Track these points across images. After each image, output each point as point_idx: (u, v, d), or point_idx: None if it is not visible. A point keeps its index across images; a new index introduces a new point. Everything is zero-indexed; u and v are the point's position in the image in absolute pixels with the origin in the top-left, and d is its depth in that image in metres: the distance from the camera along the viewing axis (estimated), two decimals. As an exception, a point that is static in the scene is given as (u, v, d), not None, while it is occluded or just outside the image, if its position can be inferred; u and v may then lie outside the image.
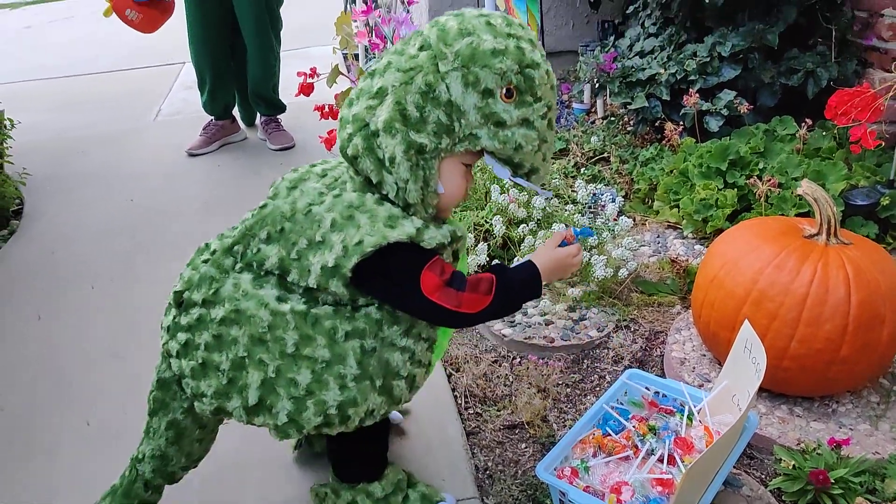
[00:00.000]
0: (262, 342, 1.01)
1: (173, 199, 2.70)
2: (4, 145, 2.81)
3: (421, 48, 0.99)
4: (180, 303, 1.08)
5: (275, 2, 3.02)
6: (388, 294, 1.02)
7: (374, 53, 3.56)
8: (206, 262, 1.10)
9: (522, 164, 1.02)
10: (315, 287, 1.00)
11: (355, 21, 3.56)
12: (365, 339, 1.02)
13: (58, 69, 4.82)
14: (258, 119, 3.31)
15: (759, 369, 1.08)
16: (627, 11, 2.58)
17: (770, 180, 1.91)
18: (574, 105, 3.22)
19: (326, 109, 2.50)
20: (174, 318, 1.08)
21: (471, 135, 0.98)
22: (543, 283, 1.10)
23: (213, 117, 3.19)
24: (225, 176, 2.91)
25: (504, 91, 0.97)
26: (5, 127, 2.85)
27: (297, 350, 1.01)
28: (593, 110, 3.24)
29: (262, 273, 1.05)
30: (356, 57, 4.35)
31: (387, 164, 0.97)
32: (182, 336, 1.06)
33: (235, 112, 3.30)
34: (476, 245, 1.90)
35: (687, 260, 1.99)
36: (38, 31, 5.93)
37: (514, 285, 1.06)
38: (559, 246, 1.15)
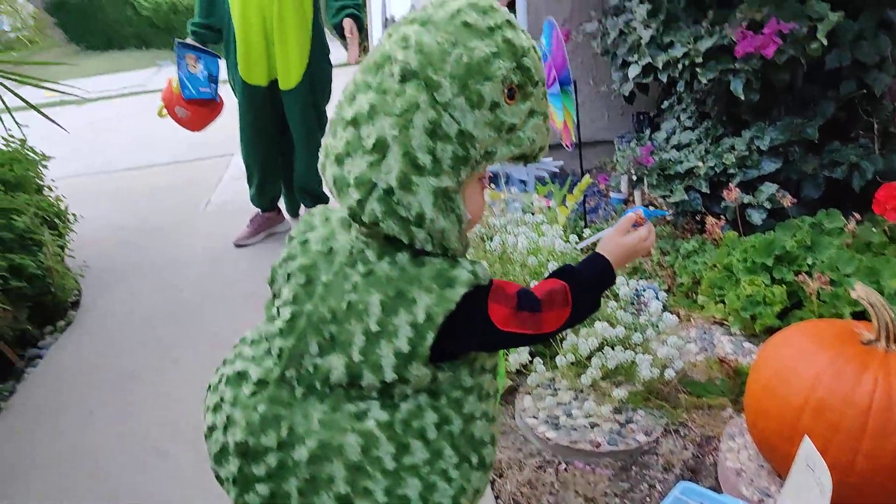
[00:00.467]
0: (361, 470, 0.92)
1: (219, 288, 2.77)
2: (67, 238, 2.94)
3: (404, 79, 0.86)
4: (244, 452, 0.97)
5: (322, 101, 3.17)
6: (469, 347, 0.95)
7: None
8: (253, 395, 0.99)
9: (535, 152, 0.96)
10: (392, 382, 0.90)
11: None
12: (452, 423, 0.95)
13: (116, 164, 5.08)
14: (302, 210, 3.42)
15: (825, 491, 1.04)
16: (663, 106, 2.64)
17: (820, 277, 1.88)
18: (612, 195, 3.25)
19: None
20: (241, 468, 0.97)
21: (487, 153, 0.90)
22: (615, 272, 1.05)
23: (259, 209, 3.30)
24: (268, 266, 2.98)
25: (507, 94, 0.88)
26: (69, 221, 2.99)
27: (398, 463, 0.92)
28: (631, 200, 3.26)
29: (328, 390, 0.95)
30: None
31: (414, 221, 0.87)
32: (264, 488, 0.95)
33: (281, 203, 3.41)
34: (518, 343, 1.89)
35: (736, 359, 1.95)
36: (100, 127, 6.29)
37: (589, 287, 1.00)
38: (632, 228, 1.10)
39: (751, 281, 2.06)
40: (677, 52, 2.23)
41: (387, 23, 5.26)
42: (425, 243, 0.89)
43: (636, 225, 1.10)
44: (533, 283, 1.97)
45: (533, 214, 2.56)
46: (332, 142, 0.92)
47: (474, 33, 0.87)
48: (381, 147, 0.86)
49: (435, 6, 0.90)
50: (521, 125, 0.91)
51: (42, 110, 2.38)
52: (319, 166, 0.96)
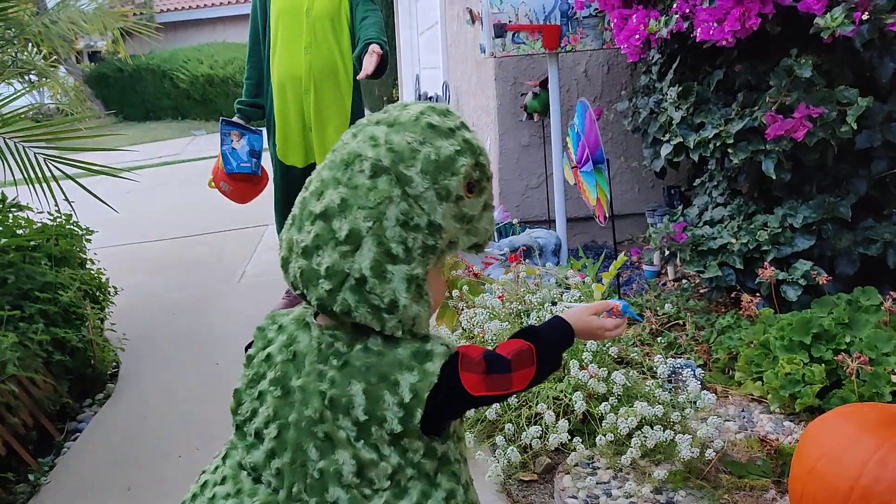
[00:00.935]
0: None
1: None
2: (107, 311, 3.02)
3: (375, 174, 0.91)
4: None
5: None
6: (451, 416, 0.98)
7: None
8: None
9: (487, 240, 1.02)
10: (396, 467, 0.93)
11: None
12: (457, 496, 0.97)
13: (151, 233, 5.22)
14: None
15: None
16: (694, 183, 2.68)
17: (860, 357, 1.86)
18: (644, 268, 3.27)
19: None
20: None
21: (451, 243, 0.95)
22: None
23: None
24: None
25: (467, 188, 0.95)
26: (109, 294, 3.07)
27: None
28: (664, 272, 3.28)
29: (343, 492, 0.92)
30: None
31: (386, 308, 0.90)
32: None
33: None
34: (556, 421, 1.89)
35: (777, 438, 1.92)
36: (137, 196, 6.48)
37: (552, 348, 1.05)
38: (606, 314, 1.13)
39: (789, 359, 2.05)
40: (708, 132, 2.28)
41: (420, 98, 5.43)
42: (396, 330, 0.92)
43: (610, 312, 1.15)
44: (573, 363, 1.99)
45: (568, 289, 2.58)
46: (297, 236, 0.94)
47: (439, 133, 0.94)
48: (354, 238, 0.89)
49: (398, 109, 0.97)
50: (478, 216, 0.98)
51: (81, 182, 2.49)
52: (281, 261, 0.97)
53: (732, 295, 2.44)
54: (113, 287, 3.12)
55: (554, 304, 2.38)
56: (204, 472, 1.07)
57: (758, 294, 2.32)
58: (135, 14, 4.03)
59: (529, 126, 3.63)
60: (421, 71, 7.67)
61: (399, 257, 0.90)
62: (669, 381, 2.15)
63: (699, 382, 1.98)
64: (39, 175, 2.37)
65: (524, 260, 2.88)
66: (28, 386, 2.26)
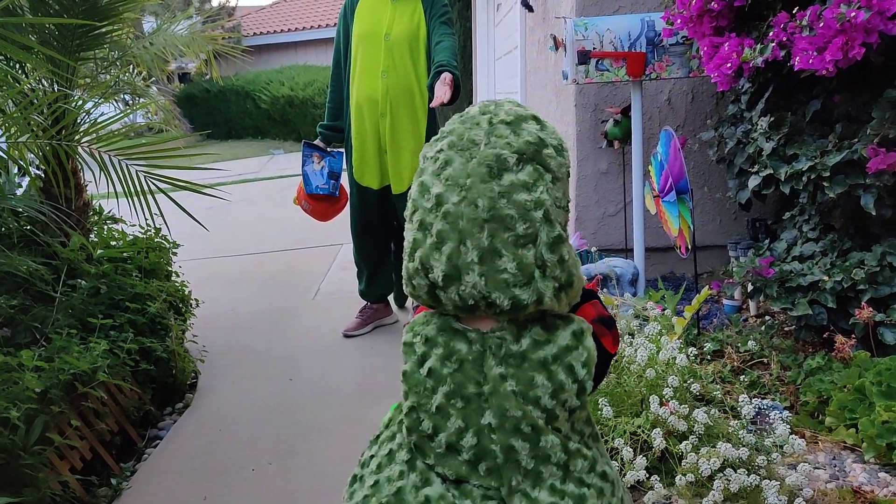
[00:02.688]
0: None
1: (329, 380, 2.84)
2: (188, 323, 3.12)
3: (521, 167, 0.98)
4: None
5: None
6: (603, 376, 1.05)
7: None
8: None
9: None
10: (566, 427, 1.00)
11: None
12: (606, 456, 1.09)
13: (229, 249, 5.39)
14: (410, 302, 3.48)
15: None
16: (783, 217, 2.57)
17: (968, 409, 1.73)
18: (724, 302, 3.15)
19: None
20: None
21: None
22: None
23: (368, 302, 3.40)
24: (378, 358, 3.04)
25: None
26: (191, 306, 3.18)
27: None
28: (745, 307, 3.15)
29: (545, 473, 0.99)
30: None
31: (565, 286, 0.96)
32: None
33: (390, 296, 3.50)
34: (634, 459, 1.82)
35: (872, 491, 1.80)
36: (217, 212, 6.72)
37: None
38: None
39: (887, 406, 1.93)
40: (802, 164, 2.19)
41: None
42: (567, 307, 0.99)
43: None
44: (652, 399, 1.92)
45: (646, 321, 2.51)
46: (462, 248, 0.93)
47: (542, 122, 1.02)
48: (532, 230, 0.93)
49: (488, 108, 1.01)
50: None
51: (166, 197, 2.59)
52: (442, 280, 0.95)
53: (825, 335, 2.32)
54: (195, 299, 3.23)
55: (632, 335, 2.32)
56: (370, 482, 1.07)
57: (852, 335, 2.19)
58: (223, 39, 4.21)
59: (609, 153, 3.58)
60: (497, 96, 7.70)
61: (564, 236, 0.95)
62: (753, 423, 2.05)
63: (788, 427, 1.88)
64: (138, 188, 2.49)
65: (601, 289, 2.82)
66: (115, 393, 2.35)
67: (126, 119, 2.79)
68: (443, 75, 2.84)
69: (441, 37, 3.04)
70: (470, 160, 0.95)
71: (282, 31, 16.26)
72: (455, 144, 0.98)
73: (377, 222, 3.27)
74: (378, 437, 1.14)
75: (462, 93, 3.03)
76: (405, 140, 3.11)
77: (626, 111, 3.33)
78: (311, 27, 15.97)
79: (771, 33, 2.12)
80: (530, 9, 4.54)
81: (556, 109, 4.02)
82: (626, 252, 3.56)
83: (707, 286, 2.38)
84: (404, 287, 1.03)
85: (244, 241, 5.61)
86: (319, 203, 3.28)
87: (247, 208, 7.15)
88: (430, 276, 0.96)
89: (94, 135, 2.45)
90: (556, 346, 0.97)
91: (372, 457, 1.11)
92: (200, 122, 14.62)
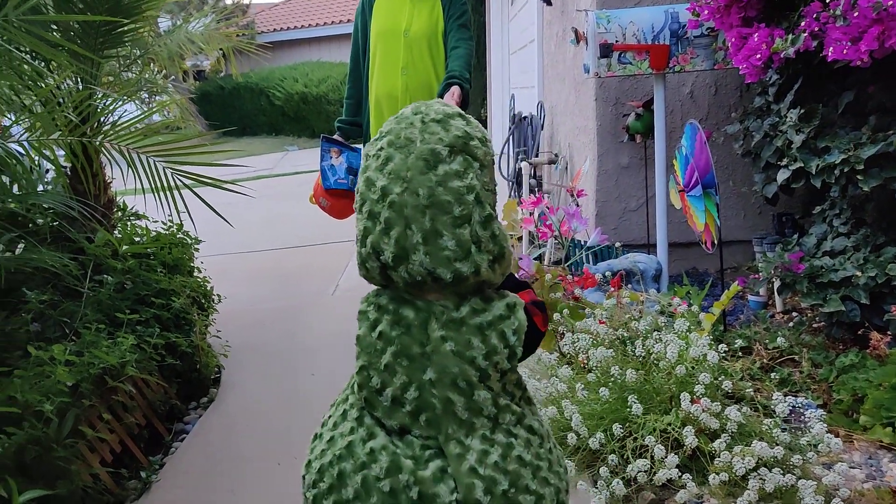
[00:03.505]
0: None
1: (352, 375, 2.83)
2: (211, 318, 3.13)
3: (452, 157, 1.12)
4: None
5: None
6: (532, 350, 1.21)
7: (543, 241, 3.71)
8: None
9: None
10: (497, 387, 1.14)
11: (522, 209, 3.77)
12: (538, 414, 1.24)
13: (246, 245, 5.40)
14: None
15: None
16: (813, 211, 2.54)
17: None
18: (749, 297, 3.11)
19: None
20: None
21: None
22: None
23: None
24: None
25: None
26: (213, 301, 3.19)
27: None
28: (771, 303, 3.12)
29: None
30: (519, 239, 4.54)
31: (497, 259, 1.11)
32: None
33: None
34: (665, 457, 1.80)
35: (911, 490, 1.77)
36: (237, 208, 6.75)
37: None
38: None
39: (924, 404, 1.90)
40: (834, 158, 2.16)
41: (514, 119, 5.43)
42: (502, 278, 1.13)
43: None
44: (683, 396, 1.90)
45: (671, 317, 2.49)
46: (409, 231, 1.07)
47: (467, 118, 1.16)
48: (466, 212, 1.07)
49: (419, 110, 1.14)
50: None
51: (185, 193, 2.59)
52: (392, 261, 1.08)
53: (859, 332, 2.28)
54: (217, 295, 3.23)
55: (657, 330, 2.30)
56: (327, 438, 1.21)
57: (887, 332, 2.16)
58: (238, 36, 4.22)
59: (630, 147, 3.55)
60: (511, 90, 7.67)
61: (493, 214, 1.10)
62: (785, 421, 2.03)
63: (825, 426, 1.85)
64: (163, 184, 2.49)
65: (625, 285, 2.80)
66: (142, 387, 2.36)
67: (140, 114, 2.79)
68: (452, 89, 2.86)
69: (457, 42, 3.03)
70: (409, 155, 1.08)
71: (295, 27, 16.28)
72: (394, 143, 1.10)
73: None
74: (336, 400, 1.28)
75: (475, 88, 3.02)
76: None
77: (647, 105, 3.30)
78: (325, 23, 15.97)
79: (803, 23, 2.09)
80: (548, 2, 4.51)
81: (576, 103, 4.00)
82: (648, 247, 3.53)
83: (735, 282, 2.35)
84: (358, 271, 1.16)
85: (262, 238, 5.62)
86: (338, 199, 3.26)
87: (263, 204, 7.16)
88: (381, 258, 1.09)
89: (125, 132, 2.46)
90: (492, 314, 1.11)
91: (330, 416, 1.25)
92: (215, 119, 14.65)
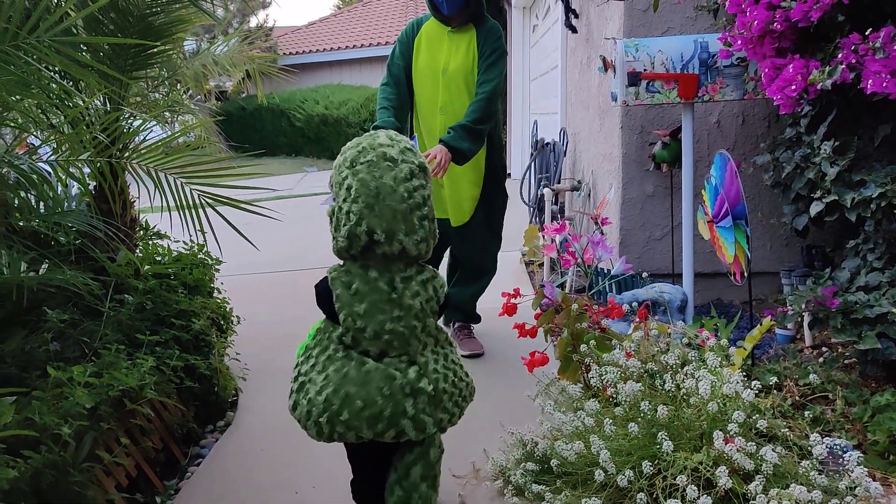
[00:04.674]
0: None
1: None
2: (230, 340, 3.10)
3: (413, 176, 1.68)
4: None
5: (494, 234, 3.23)
6: (446, 306, 1.85)
7: (565, 269, 3.67)
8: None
9: None
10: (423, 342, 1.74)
11: (544, 235, 3.73)
12: (454, 356, 1.87)
13: (267, 265, 5.40)
14: (452, 325, 3.41)
15: None
16: (847, 245, 2.48)
17: None
18: (777, 331, 3.04)
19: (527, 328, 2.55)
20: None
21: None
22: None
23: None
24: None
25: None
26: (232, 323, 3.16)
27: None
28: (799, 337, 3.05)
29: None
30: (540, 266, 4.50)
31: (429, 241, 1.70)
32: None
33: None
34: (698, 497, 1.74)
35: (955, 539, 1.69)
36: (254, 228, 6.77)
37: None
38: None
39: (967, 449, 1.82)
40: (871, 191, 2.11)
41: (536, 145, 5.41)
42: (429, 253, 1.69)
43: None
44: (716, 434, 1.83)
45: (697, 349, 2.43)
46: (396, 226, 1.61)
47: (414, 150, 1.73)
48: (428, 213, 1.67)
49: (382, 140, 1.66)
50: None
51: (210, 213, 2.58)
52: (385, 238, 1.60)
53: (893, 368, 2.21)
54: (236, 316, 3.21)
55: (686, 364, 2.24)
56: (318, 379, 1.67)
57: (926, 372, 2.09)
58: (259, 59, 4.25)
59: (655, 176, 3.52)
60: (531, 116, 7.67)
61: (432, 217, 1.69)
62: (821, 462, 1.95)
63: (865, 470, 1.78)
64: (188, 202, 2.49)
65: (652, 315, 2.74)
66: (160, 410, 2.33)
67: (164, 135, 2.80)
68: (437, 147, 2.85)
69: (483, 82, 2.98)
70: (394, 169, 1.62)
71: (317, 50, 16.47)
72: (383, 158, 1.62)
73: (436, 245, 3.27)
74: (308, 355, 1.74)
75: (497, 108, 3.03)
76: (464, 173, 3.06)
77: (674, 134, 3.27)
78: (346, 47, 16.14)
79: (839, 55, 2.05)
80: (573, 29, 4.52)
81: (600, 131, 3.97)
82: (673, 277, 3.47)
83: (769, 317, 2.29)
84: (337, 245, 1.67)
85: (280, 258, 5.62)
86: None
87: (281, 225, 7.18)
88: (373, 236, 1.59)
89: (151, 152, 2.46)
90: (426, 275, 1.70)
91: (312, 366, 1.69)
92: (236, 139, 14.80)
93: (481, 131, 2.92)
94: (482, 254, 3.20)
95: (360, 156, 1.60)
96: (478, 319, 3.34)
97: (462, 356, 3.20)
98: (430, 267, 1.72)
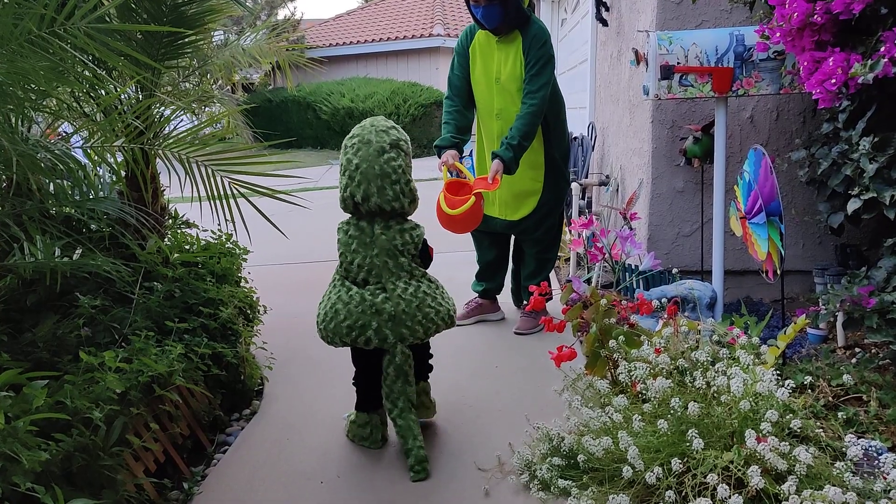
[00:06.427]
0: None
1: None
2: (256, 329, 3.12)
3: (392, 149, 2.23)
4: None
5: (554, 226, 3.41)
6: (424, 255, 2.38)
7: (592, 264, 3.63)
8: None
9: None
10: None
11: (570, 230, 3.69)
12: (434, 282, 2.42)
13: (291, 256, 5.42)
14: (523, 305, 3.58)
15: None
16: (883, 243, 2.42)
17: None
18: (809, 331, 2.99)
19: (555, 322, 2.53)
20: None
21: None
22: None
23: (477, 295, 3.59)
24: (459, 364, 2.96)
25: None
26: (259, 312, 3.18)
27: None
28: (831, 337, 2.98)
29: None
30: (567, 261, 4.46)
31: (411, 202, 2.28)
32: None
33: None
34: (729, 496, 1.71)
35: None
36: (280, 219, 6.80)
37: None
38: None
39: None
40: (912, 188, 2.05)
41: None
42: (412, 211, 2.26)
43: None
44: (748, 434, 1.80)
45: (727, 347, 2.39)
46: (370, 189, 2.18)
47: (399, 128, 2.32)
48: (403, 178, 2.22)
49: (373, 122, 2.26)
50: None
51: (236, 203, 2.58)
52: (362, 197, 2.19)
53: (933, 372, 2.15)
54: (263, 306, 3.22)
55: (717, 361, 2.20)
56: (326, 301, 2.31)
57: (966, 374, 2.03)
58: (288, 50, 4.27)
59: (685, 171, 3.46)
60: (559, 111, 7.58)
61: (411, 179, 2.24)
62: (855, 464, 1.91)
63: (900, 471, 1.73)
64: (219, 192, 2.50)
65: (681, 312, 2.70)
66: (187, 397, 2.35)
67: (193, 124, 2.81)
68: (495, 165, 3.01)
69: (527, 97, 3.08)
70: (370, 148, 2.18)
71: (344, 43, 16.50)
72: (361, 141, 2.20)
73: (501, 239, 3.51)
74: (332, 283, 2.32)
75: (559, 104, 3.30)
76: (522, 169, 3.16)
77: (706, 128, 3.21)
78: (373, 40, 16.15)
79: (882, 48, 2.00)
80: (604, 23, 4.46)
81: (630, 125, 3.92)
82: (702, 274, 3.42)
83: (802, 315, 2.24)
84: (341, 206, 2.26)
85: (305, 249, 5.64)
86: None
87: (305, 217, 7.21)
88: (355, 199, 2.19)
89: (182, 140, 2.47)
90: (405, 226, 2.25)
91: (328, 291, 2.32)
92: (263, 131, 14.87)
93: (526, 147, 3.09)
94: (538, 239, 3.36)
95: (348, 141, 2.23)
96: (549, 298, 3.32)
97: (515, 333, 3.36)
98: (413, 220, 2.28)
